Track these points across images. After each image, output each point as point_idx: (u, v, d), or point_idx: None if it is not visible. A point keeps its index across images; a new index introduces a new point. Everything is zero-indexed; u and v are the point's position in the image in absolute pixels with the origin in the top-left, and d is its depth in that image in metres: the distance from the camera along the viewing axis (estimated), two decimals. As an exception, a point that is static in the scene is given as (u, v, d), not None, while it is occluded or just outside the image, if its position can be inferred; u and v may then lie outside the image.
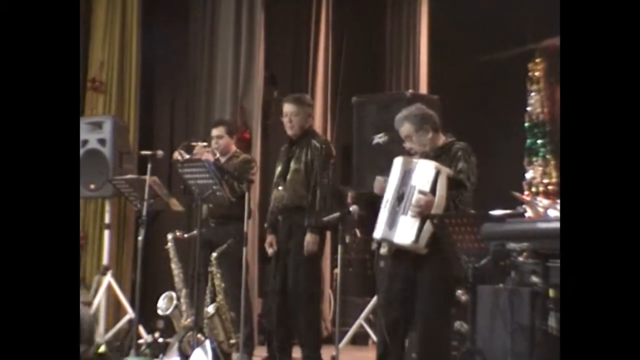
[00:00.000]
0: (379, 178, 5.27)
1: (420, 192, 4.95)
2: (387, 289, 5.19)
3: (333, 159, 6.37)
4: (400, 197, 5.05)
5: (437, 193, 4.95)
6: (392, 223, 5.05)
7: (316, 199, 6.14)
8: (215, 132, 6.94)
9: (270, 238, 6.41)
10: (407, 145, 5.30)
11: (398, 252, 5.09)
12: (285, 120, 6.36)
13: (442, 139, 5.30)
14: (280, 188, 6.31)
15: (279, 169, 6.42)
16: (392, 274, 5.16)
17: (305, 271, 6.18)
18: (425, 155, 5.20)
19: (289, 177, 6.28)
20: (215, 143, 6.87)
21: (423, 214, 4.94)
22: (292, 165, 6.29)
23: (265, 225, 6.56)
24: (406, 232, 4.97)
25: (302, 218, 6.17)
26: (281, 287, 6.25)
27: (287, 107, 6.37)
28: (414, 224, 4.95)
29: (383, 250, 5.16)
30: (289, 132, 6.36)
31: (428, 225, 4.94)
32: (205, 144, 6.80)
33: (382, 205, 5.13)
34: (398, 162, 5.17)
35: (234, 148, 7.01)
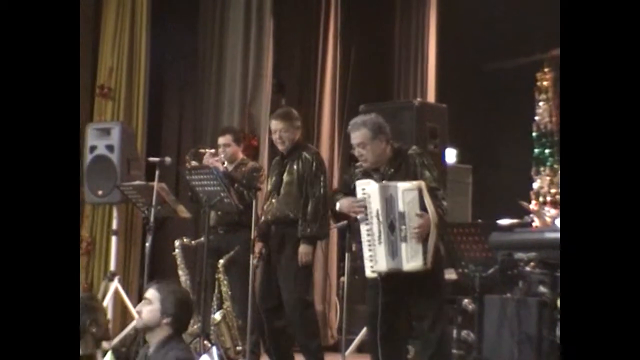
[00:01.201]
0: (350, 199, 5.23)
1: (417, 215, 4.94)
2: (382, 298, 5.16)
3: (324, 169, 6.35)
4: (391, 226, 5.03)
5: (428, 210, 4.96)
6: (393, 252, 5.04)
7: (308, 209, 6.13)
8: (222, 140, 6.92)
9: (259, 246, 6.39)
10: (358, 152, 5.24)
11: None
12: (274, 137, 6.34)
13: (389, 149, 5.27)
14: (273, 200, 6.31)
15: (271, 181, 6.41)
16: (387, 284, 5.15)
17: (299, 281, 6.18)
18: (382, 169, 5.21)
19: (282, 189, 6.27)
20: (223, 151, 6.84)
21: (424, 235, 4.95)
22: (285, 177, 6.28)
23: (254, 234, 6.49)
24: (414, 257, 4.98)
25: (295, 229, 6.16)
26: (275, 296, 6.24)
27: (275, 124, 6.33)
28: (418, 247, 4.97)
29: (373, 275, 5.15)
30: (280, 147, 6.35)
31: (431, 239, 4.96)
32: (213, 151, 6.79)
33: (372, 238, 5.09)
34: (374, 191, 5.10)
35: (241, 156, 6.99)
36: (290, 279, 6.14)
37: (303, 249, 6.10)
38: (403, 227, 4.97)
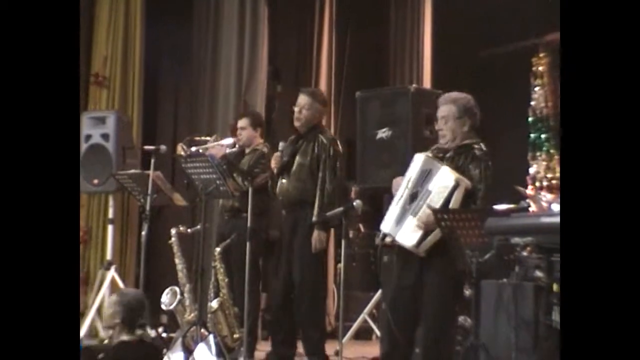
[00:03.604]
0: (397, 179, 5.23)
1: (429, 207, 4.90)
2: (395, 284, 5.17)
3: (340, 156, 6.32)
4: (413, 196, 5.02)
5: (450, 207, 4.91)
6: (400, 220, 5.04)
7: (324, 196, 6.10)
8: (239, 123, 6.90)
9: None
10: (439, 126, 5.22)
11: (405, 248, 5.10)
12: (295, 110, 6.29)
13: (469, 139, 5.25)
14: (283, 181, 6.28)
15: (282, 160, 6.35)
16: (400, 270, 5.16)
17: (310, 266, 6.16)
18: (445, 151, 5.16)
19: (293, 170, 6.23)
20: (239, 134, 6.83)
21: (428, 230, 4.92)
22: (298, 158, 6.23)
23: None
24: (410, 234, 4.97)
25: (306, 212, 6.14)
26: (285, 281, 6.23)
27: (301, 99, 6.29)
28: (419, 229, 4.95)
29: (389, 239, 5.15)
30: (296, 123, 6.29)
31: (434, 234, 4.93)
32: (209, 138, 6.78)
33: (395, 199, 5.11)
34: (419, 159, 5.09)
35: (258, 141, 6.89)
36: (302, 264, 6.12)
37: (317, 235, 6.08)
38: (421, 203, 4.96)
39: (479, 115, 5.29)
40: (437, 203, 4.91)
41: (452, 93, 5.32)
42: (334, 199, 6.09)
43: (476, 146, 5.22)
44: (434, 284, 5.10)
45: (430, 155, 5.15)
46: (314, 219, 6.07)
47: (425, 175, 5.01)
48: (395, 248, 5.19)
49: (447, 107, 5.21)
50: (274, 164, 6.19)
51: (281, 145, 6.34)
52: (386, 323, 5.28)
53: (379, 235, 5.37)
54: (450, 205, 4.90)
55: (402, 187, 5.09)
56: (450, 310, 5.22)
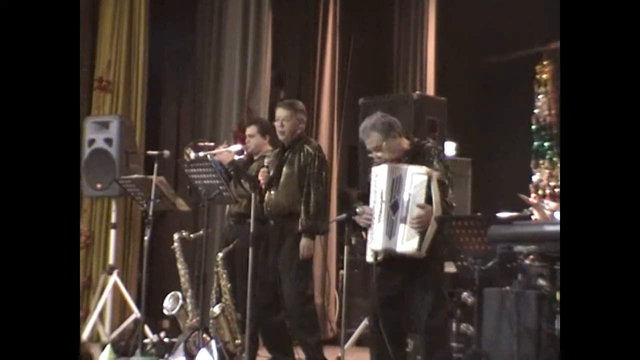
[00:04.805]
0: (365, 207, 5.19)
1: (419, 206, 4.93)
2: (382, 292, 5.17)
3: (326, 163, 6.33)
4: (394, 206, 5.03)
5: (433, 200, 4.94)
6: (391, 232, 5.04)
7: (310, 204, 6.10)
8: (247, 130, 6.87)
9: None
10: (377, 155, 5.23)
11: (390, 256, 5.10)
12: (277, 124, 6.32)
13: (406, 142, 5.27)
14: (272, 193, 6.27)
15: (270, 172, 6.34)
16: (386, 278, 5.17)
17: (299, 275, 6.16)
18: (398, 161, 5.18)
19: (281, 182, 6.24)
20: (248, 141, 6.82)
21: (424, 227, 4.95)
22: (285, 170, 6.24)
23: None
24: (410, 240, 4.98)
25: (294, 223, 6.14)
26: (272, 290, 6.22)
27: (279, 112, 6.33)
28: (416, 233, 4.96)
29: (371, 259, 5.14)
30: (280, 137, 6.31)
31: (430, 231, 4.95)
32: (213, 143, 6.78)
33: (375, 217, 5.11)
34: (383, 170, 5.11)
35: (267, 148, 6.82)
36: (290, 273, 6.12)
37: (305, 242, 6.08)
38: (406, 209, 4.97)
39: (397, 121, 5.30)
40: (421, 200, 4.96)
41: (364, 122, 5.34)
42: (321, 208, 6.09)
43: (426, 145, 5.26)
44: (422, 290, 5.12)
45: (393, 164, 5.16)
46: (301, 226, 6.07)
47: (398, 183, 5.03)
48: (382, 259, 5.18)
49: (372, 137, 5.23)
50: (261, 178, 6.19)
51: (266, 160, 6.36)
52: (375, 330, 5.28)
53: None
54: (433, 198, 4.94)
55: (377, 203, 5.09)
56: (441, 313, 5.22)
